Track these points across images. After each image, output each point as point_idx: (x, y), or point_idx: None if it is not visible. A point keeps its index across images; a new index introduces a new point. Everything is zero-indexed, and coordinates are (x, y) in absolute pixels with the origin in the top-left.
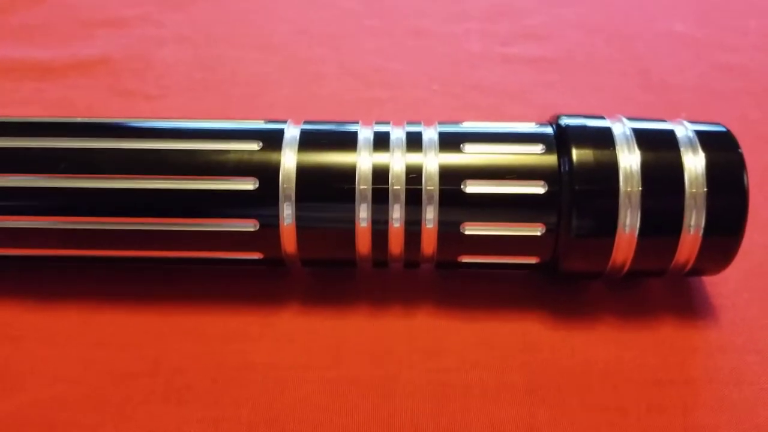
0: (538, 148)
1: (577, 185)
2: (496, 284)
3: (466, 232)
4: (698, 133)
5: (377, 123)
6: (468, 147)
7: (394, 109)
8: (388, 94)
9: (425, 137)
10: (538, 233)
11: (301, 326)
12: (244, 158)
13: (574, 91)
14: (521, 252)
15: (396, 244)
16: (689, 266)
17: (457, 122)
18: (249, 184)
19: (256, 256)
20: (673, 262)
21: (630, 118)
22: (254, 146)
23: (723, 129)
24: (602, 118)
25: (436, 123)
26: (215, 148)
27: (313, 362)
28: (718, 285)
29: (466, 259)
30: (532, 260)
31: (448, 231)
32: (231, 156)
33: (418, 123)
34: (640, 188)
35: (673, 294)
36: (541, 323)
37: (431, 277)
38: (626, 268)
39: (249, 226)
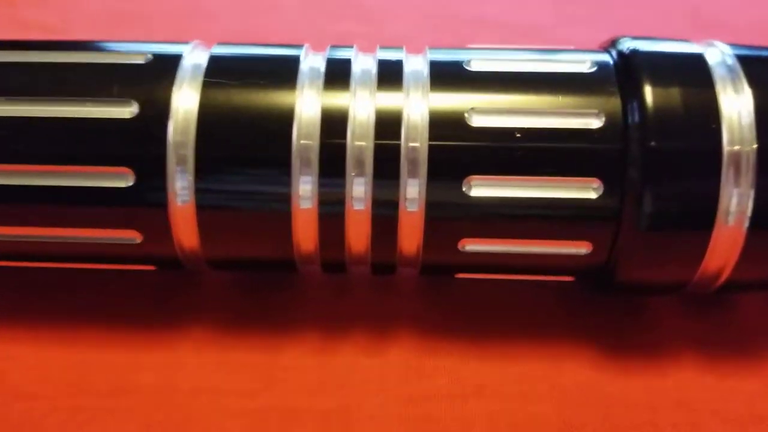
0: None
1: (653, 141)
2: (509, 293)
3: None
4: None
5: (333, 48)
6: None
7: (370, 47)
8: (362, 29)
9: (408, 69)
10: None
11: (213, 358)
12: (114, 96)
13: (606, 29)
14: (560, 259)
15: (358, 236)
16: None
17: (458, 48)
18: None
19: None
20: None
21: (731, 45)
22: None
23: None
24: (687, 41)
25: (427, 49)
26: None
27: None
28: None
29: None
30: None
31: (443, 216)
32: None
33: (397, 48)
34: (754, 146)
35: None
36: (581, 351)
37: (413, 287)
38: (723, 277)
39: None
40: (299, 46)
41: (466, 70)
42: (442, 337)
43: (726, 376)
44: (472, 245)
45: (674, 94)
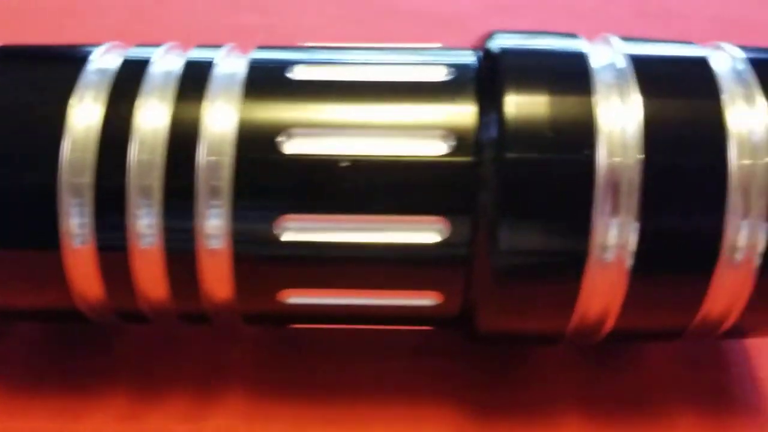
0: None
1: (509, 155)
2: (363, 343)
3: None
4: (755, 63)
5: (139, 47)
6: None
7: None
8: (264, 21)
9: (220, 72)
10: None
11: None
12: None
13: (539, 18)
14: (407, 310)
15: (151, 279)
16: (731, 319)
17: (290, 46)
18: None
19: None
20: (700, 313)
21: (628, 39)
22: None
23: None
24: (573, 37)
25: (255, 49)
26: None
27: None
28: None
29: (291, 298)
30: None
31: (253, 260)
32: None
33: (217, 46)
34: (638, 157)
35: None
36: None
37: (251, 336)
38: (608, 325)
39: None
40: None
41: (287, 78)
42: (278, 398)
43: None
44: (294, 297)
45: (541, 104)
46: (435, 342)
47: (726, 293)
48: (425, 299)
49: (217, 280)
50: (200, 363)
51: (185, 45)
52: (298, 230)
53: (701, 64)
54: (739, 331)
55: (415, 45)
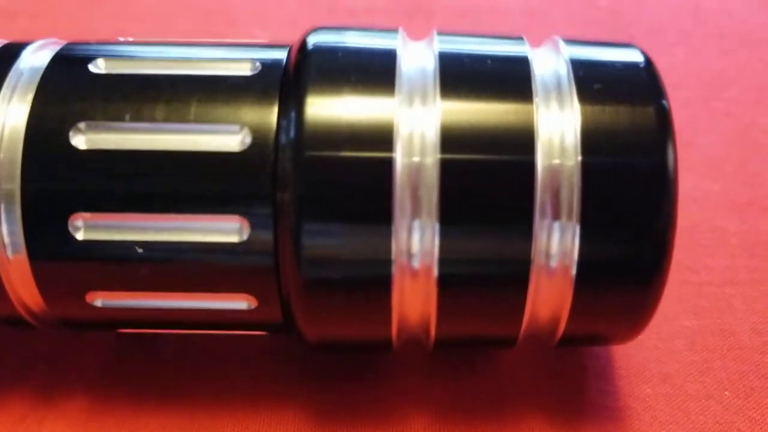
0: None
1: (306, 152)
2: (204, 349)
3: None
4: (578, 65)
5: None
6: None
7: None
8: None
9: (22, 66)
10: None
11: None
12: None
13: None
14: (228, 315)
15: None
16: (559, 331)
17: (104, 42)
18: None
19: None
20: (525, 322)
21: (444, 34)
22: None
23: (636, 54)
24: (393, 34)
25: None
26: None
27: None
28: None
29: (98, 301)
30: (240, 304)
31: (51, 264)
32: None
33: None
34: (438, 157)
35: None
36: None
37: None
38: (431, 332)
39: None
40: None
41: (84, 71)
42: (119, 404)
43: None
44: (102, 300)
45: (342, 103)
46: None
47: (546, 300)
48: (238, 302)
49: (22, 285)
50: (46, 364)
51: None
52: (93, 229)
53: (522, 63)
54: (573, 340)
55: (235, 41)
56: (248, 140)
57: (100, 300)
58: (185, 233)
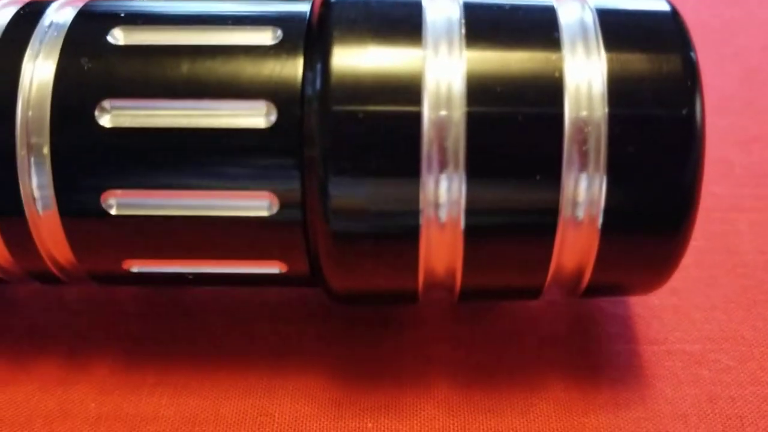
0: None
1: (335, 107)
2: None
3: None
4: (604, 14)
5: None
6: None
7: None
8: None
9: (47, 22)
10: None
11: None
12: None
13: None
14: (258, 276)
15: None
16: (584, 281)
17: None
18: None
19: None
20: (551, 273)
21: None
22: None
23: (662, 4)
24: None
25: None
26: None
27: None
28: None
29: (134, 268)
30: (271, 269)
31: (84, 231)
32: None
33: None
34: (465, 110)
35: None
36: None
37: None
38: (456, 283)
39: None
40: None
41: (105, 43)
42: (148, 361)
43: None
44: (137, 266)
45: (368, 56)
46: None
47: (572, 251)
48: (269, 268)
49: (54, 243)
50: (71, 330)
51: None
52: (125, 205)
53: (547, 12)
54: (597, 290)
55: None
56: (273, 116)
57: (135, 267)
58: (215, 209)
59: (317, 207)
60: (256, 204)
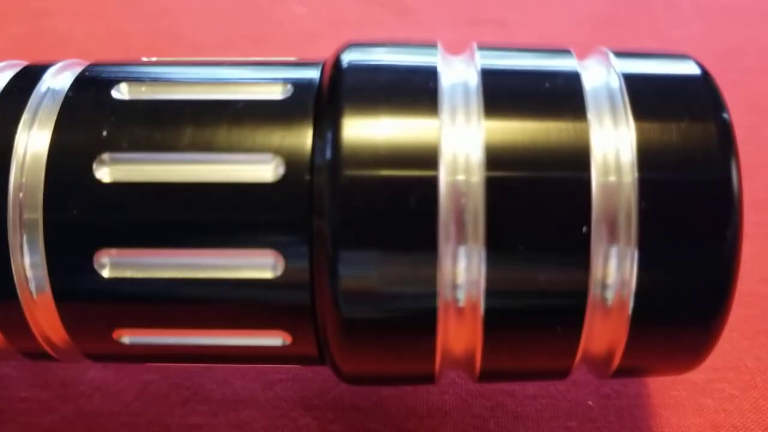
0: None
1: (344, 172)
2: None
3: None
4: (631, 79)
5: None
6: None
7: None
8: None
9: (43, 88)
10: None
11: None
12: None
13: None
14: (261, 350)
15: None
16: (614, 364)
17: (122, 63)
18: None
19: None
20: (578, 358)
21: (485, 48)
22: None
23: (691, 66)
24: (432, 49)
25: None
26: None
27: None
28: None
29: (125, 338)
30: (274, 341)
31: (76, 301)
32: None
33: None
34: (484, 175)
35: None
36: None
37: None
38: (477, 364)
39: None
40: None
41: (107, 97)
42: None
43: None
44: (130, 337)
45: (381, 123)
46: None
47: (601, 334)
48: (273, 339)
49: (47, 321)
50: None
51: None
52: (119, 266)
53: (571, 78)
54: (627, 372)
55: (265, 59)
56: (281, 170)
57: (127, 338)
58: (216, 270)
59: (326, 285)
60: (260, 264)
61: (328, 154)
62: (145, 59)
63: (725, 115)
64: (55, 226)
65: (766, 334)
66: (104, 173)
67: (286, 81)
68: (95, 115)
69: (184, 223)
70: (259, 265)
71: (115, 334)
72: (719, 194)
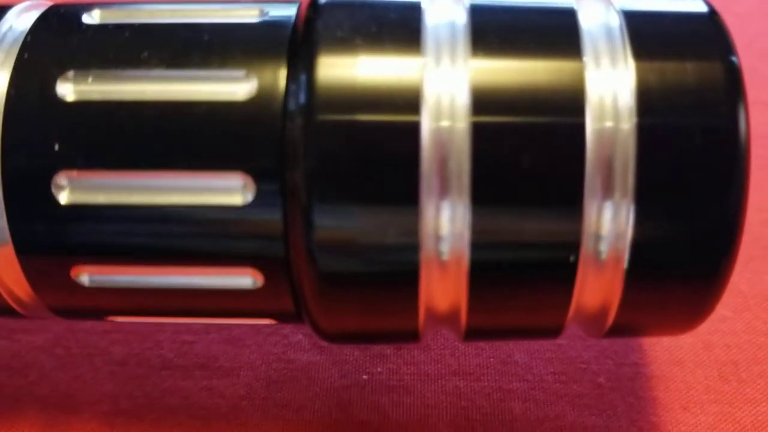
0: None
1: (318, 117)
2: None
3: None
4: (631, 16)
5: None
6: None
7: None
8: None
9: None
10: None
11: None
12: None
13: None
14: (229, 297)
15: None
16: (607, 323)
17: None
18: None
19: None
20: (570, 315)
21: None
22: None
23: (698, 4)
24: None
25: None
26: None
27: None
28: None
29: (83, 276)
30: (244, 280)
31: (30, 217)
32: None
33: None
34: (470, 120)
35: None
36: None
37: None
38: (464, 322)
39: None
40: None
41: (80, 22)
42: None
43: None
44: (89, 275)
45: (360, 64)
46: None
47: (594, 290)
48: (242, 278)
49: (7, 271)
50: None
51: None
52: (78, 190)
53: (567, 15)
54: (622, 331)
55: None
56: (254, 88)
57: (86, 275)
58: (181, 194)
59: (300, 240)
60: (229, 188)
61: (302, 97)
62: None
63: (733, 57)
64: (12, 150)
65: (759, 260)
66: (67, 90)
67: (262, 9)
68: (61, 38)
69: (147, 143)
70: (228, 188)
71: (73, 272)
72: (725, 142)
